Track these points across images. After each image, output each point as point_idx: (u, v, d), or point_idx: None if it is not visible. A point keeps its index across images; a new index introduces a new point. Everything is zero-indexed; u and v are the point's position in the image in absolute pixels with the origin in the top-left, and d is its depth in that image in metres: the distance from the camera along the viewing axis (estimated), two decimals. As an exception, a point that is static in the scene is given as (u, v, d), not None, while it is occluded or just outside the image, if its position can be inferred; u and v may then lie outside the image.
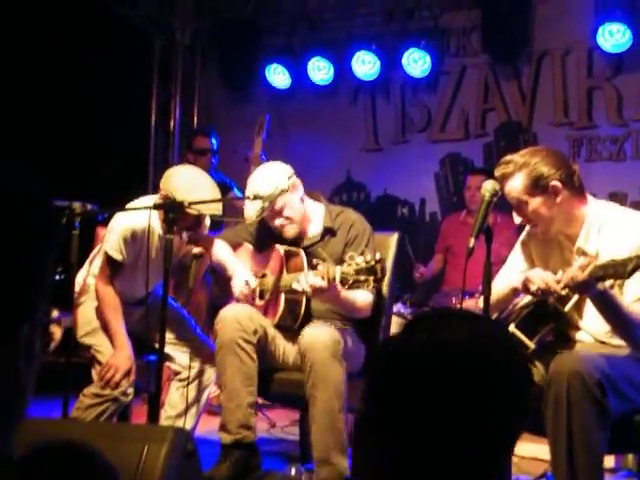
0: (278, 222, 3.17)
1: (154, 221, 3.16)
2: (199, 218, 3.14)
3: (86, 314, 3.29)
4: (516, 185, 2.62)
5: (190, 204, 2.96)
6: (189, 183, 3.11)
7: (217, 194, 3.17)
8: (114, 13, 5.83)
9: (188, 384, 3.29)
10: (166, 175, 3.22)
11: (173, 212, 2.94)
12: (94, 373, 3.20)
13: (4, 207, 0.99)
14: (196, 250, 3.19)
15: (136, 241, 3.19)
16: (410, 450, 0.97)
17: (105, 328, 3.23)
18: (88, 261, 3.44)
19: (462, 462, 0.98)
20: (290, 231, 3.19)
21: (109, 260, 3.20)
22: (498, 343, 1.03)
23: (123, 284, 3.27)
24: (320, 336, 2.92)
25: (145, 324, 3.26)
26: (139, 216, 3.14)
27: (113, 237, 3.18)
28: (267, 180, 3.14)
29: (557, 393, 2.38)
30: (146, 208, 3.06)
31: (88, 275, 3.37)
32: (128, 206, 3.23)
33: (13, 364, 1.03)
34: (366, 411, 1.03)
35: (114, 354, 3.17)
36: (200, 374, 3.33)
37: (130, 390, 3.17)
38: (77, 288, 3.31)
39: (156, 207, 3.04)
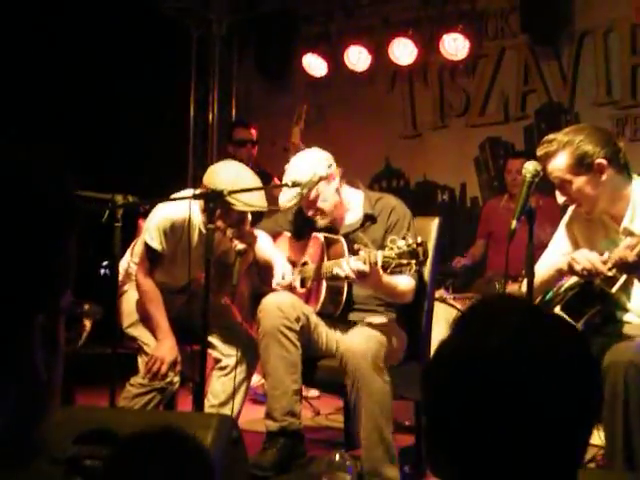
0: (310, 212, 3.20)
1: (194, 213, 3.17)
2: (242, 214, 3.14)
3: (130, 303, 3.32)
4: (559, 164, 2.57)
5: (230, 193, 2.96)
6: (232, 177, 3.11)
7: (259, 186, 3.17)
8: (151, 5, 5.87)
9: (228, 373, 3.29)
10: (209, 171, 3.23)
11: (213, 201, 2.95)
12: (140, 362, 3.23)
13: (17, 193, 0.98)
14: (240, 247, 3.17)
15: (175, 232, 3.20)
16: (479, 456, 0.97)
17: (147, 320, 3.25)
18: (130, 249, 3.47)
19: (533, 462, 0.96)
20: (321, 221, 3.21)
21: (148, 250, 3.22)
22: (549, 335, 1.00)
23: (163, 274, 3.29)
24: (360, 347, 2.88)
25: (188, 311, 3.29)
26: (179, 207, 3.16)
27: (152, 227, 3.20)
28: (306, 167, 3.14)
29: (614, 383, 2.34)
30: (187, 198, 3.08)
31: (130, 264, 3.40)
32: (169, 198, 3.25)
33: (29, 354, 1.01)
34: (431, 417, 1.02)
35: (158, 346, 3.19)
36: (241, 363, 3.32)
37: (176, 379, 3.20)
38: (120, 277, 3.33)
39: (196, 197, 3.05)
